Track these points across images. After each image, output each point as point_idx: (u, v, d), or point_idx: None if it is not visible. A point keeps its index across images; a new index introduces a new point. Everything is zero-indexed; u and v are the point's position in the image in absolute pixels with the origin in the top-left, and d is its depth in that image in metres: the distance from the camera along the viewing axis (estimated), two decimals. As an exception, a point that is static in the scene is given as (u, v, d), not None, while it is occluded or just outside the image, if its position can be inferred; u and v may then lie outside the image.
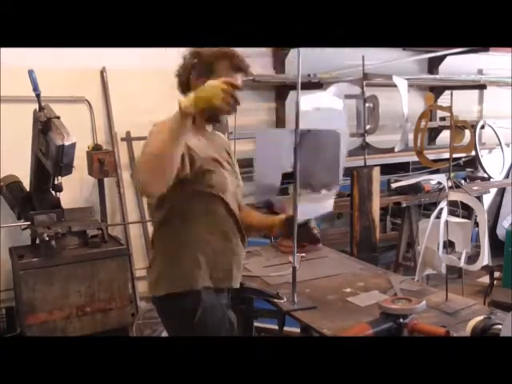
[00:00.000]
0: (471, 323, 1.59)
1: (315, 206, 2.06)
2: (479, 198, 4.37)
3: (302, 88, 1.98)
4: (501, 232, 5.47)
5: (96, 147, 3.65)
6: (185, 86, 1.93)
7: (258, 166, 2.11)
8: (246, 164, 3.98)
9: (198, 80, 1.86)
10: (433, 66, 5.58)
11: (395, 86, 3.54)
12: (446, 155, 4.42)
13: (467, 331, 1.58)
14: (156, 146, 1.60)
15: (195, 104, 1.56)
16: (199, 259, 1.91)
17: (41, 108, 3.13)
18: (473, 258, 2.09)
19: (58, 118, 3.10)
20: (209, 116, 1.92)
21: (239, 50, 1.90)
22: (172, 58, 3.34)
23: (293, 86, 4.33)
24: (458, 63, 5.55)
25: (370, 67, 4.11)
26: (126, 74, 3.93)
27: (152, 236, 2.03)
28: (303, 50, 1.91)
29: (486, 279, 4.07)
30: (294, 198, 1.98)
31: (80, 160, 3.43)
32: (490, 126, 5.43)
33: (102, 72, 3.90)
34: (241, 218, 2.04)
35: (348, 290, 2.25)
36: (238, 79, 1.88)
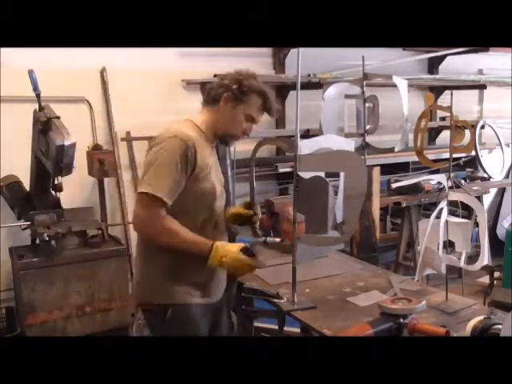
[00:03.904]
0: (471, 323, 1.59)
1: (315, 249, 2.10)
2: (479, 198, 4.37)
3: (302, 88, 1.98)
4: (501, 232, 5.47)
5: (96, 147, 3.65)
6: (213, 100, 1.97)
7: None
8: (247, 164, 3.99)
9: (228, 102, 1.93)
10: (433, 66, 5.58)
11: (395, 85, 3.54)
12: (446, 155, 4.41)
13: (467, 331, 1.58)
14: (159, 232, 1.82)
15: (220, 266, 1.86)
16: (176, 274, 1.90)
17: (41, 108, 3.13)
18: (473, 258, 2.09)
19: (58, 117, 3.10)
20: (222, 138, 2.01)
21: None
22: (171, 58, 3.37)
23: (293, 86, 4.33)
24: (458, 63, 5.55)
25: (370, 67, 4.11)
26: (126, 74, 3.93)
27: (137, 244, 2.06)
28: (303, 50, 1.91)
29: (486, 279, 4.07)
30: (294, 200, 1.98)
31: (80, 160, 3.43)
32: (489, 126, 5.42)
33: (102, 72, 3.90)
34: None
35: (348, 289, 2.25)
36: (261, 117, 2.01)
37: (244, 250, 1.85)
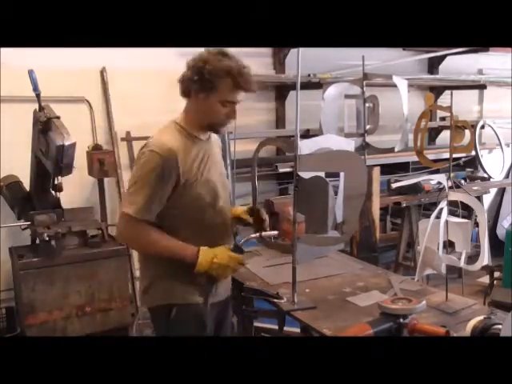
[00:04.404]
0: (471, 323, 1.59)
1: (315, 249, 2.09)
2: (479, 198, 4.37)
3: (302, 88, 1.98)
4: (501, 232, 5.47)
5: (96, 147, 3.65)
6: (186, 94, 1.90)
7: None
8: (247, 164, 3.99)
9: (198, 94, 1.85)
10: (433, 66, 5.58)
11: (395, 85, 3.54)
12: (446, 155, 4.41)
13: (467, 331, 1.58)
14: (143, 245, 1.89)
15: (209, 268, 1.83)
16: (179, 274, 1.89)
17: (41, 108, 3.13)
18: (473, 258, 2.09)
19: (58, 117, 3.10)
20: (208, 128, 1.94)
21: (240, 51, 1.86)
22: (171, 58, 3.32)
23: (293, 86, 4.33)
24: (458, 63, 5.55)
25: (370, 67, 4.11)
26: (125, 74, 3.93)
27: None
28: (303, 50, 1.91)
29: (486, 279, 4.07)
30: (294, 200, 1.97)
31: (80, 160, 3.43)
32: (489, 126, 5.42)
33: (102, 72, 3.90)
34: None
35: (348, 289, 2.25)
36: (240, 96, 1.87)
37: (234, 248, 1.85)
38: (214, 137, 2.07)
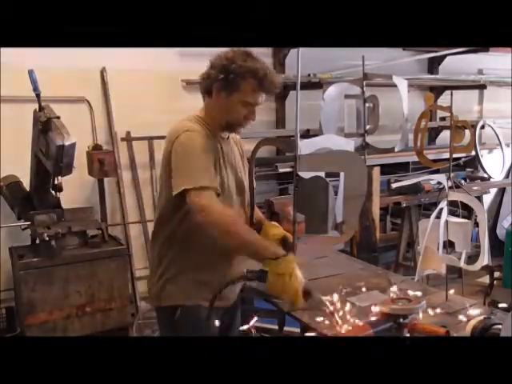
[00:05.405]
0: (471, 323, 1.59)
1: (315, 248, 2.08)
2: (479, 198, 4.37)
3: (302, 88, 1.98)
4: (501, 232, 5.47)
5: (96, 147, 3.65)
6: (206, 91, 1.90)
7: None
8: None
9: (220, 92, 1.84)
10: (433, 66, 5.58)
11: (395, 85, 3.54)
12: (446, 155, 4.41)
13: (467, 331, 1.58)
14: (238, 237, 1.72)
15: (279, 273, 1.64)
16: (186, 276, 1.89)
17: (41, 108, 3.13)
18: (473, 258, 2.09)
19: (58, 117, 3.10)
20: (226, 128, 1.93)
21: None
22: (171, 58, 3.31)
23: (293, 86, 4.33)
24: (458, 63, 5.55)
25: (370, 67, 4.11)
26: (126, 74, 3.94)
27: (152, 243, 2.01)
28: (303, 50, 1.91)
29: (486, 279, 4.07)
30: (294, 200, 1.97)
31: (80, 160, 3.44)
32: (489, 125, 5.43)
33: (102, 72, 3.90)
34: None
35: (348, 289, 2.25)
36: (261, 98, 1.86)
37: (305, 291, 1.72)
38: (236, 137, 2.06)
